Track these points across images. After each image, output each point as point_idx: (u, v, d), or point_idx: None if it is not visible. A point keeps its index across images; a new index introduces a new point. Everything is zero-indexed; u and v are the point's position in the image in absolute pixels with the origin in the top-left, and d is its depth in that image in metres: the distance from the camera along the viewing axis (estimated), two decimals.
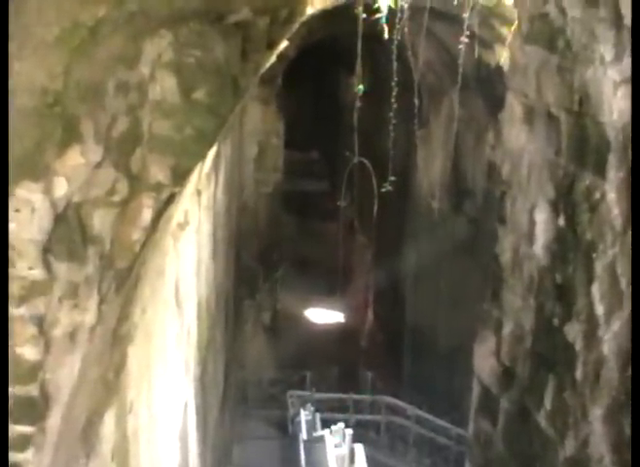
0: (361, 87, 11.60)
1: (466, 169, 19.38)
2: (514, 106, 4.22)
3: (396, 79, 12.46)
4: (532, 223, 4.00)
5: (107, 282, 4.18)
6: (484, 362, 4.59)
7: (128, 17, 3.66)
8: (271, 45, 5.72)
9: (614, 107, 3.13)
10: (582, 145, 3.41)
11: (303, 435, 16.55)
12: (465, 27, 11.76)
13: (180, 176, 4.30)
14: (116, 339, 5.38)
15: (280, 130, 22.08)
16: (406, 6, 11.60)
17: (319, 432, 16.18)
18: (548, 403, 3.66)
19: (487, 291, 4.67)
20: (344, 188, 14.90)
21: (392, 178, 12.64)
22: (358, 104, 11.78)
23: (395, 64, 12.25)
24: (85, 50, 3.59)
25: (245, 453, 18.78)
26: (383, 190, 12.77)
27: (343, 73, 30.23)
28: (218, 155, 12.19)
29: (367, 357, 24.37)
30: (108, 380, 5.41)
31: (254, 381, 22.34)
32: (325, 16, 17.33)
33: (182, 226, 9.12)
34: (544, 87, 3.90)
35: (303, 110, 33.85)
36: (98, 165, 3.92)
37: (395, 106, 12.83)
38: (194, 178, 7.99)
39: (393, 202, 16.71)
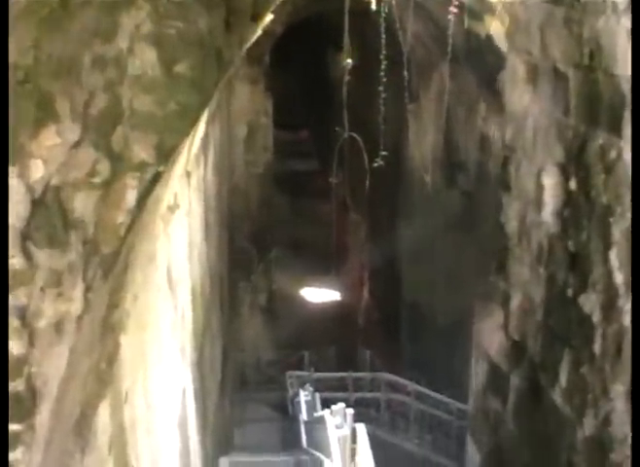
0: (349, 60, 11.36)
1: (458, 142, 19.17)
2: (516, 66, 3.99)
3: (384, 52, 12.23)
4: (540, 188, 3.76)
5: (92, 269, 3.98)
6: (492, 337, 4.36)
7: None
8: (256, 17, 5.52)
9: (629, 58, 2.90)
10: (593, 102, 3.17)
11: (304, 416, 16.41)
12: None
13: (165, 154, 4.09)
14: (106, 327, 5.19)
15: (269, 110, 21.87)
16: None
17: (319, 412, 16.05)
18: (563, 379, 3.44)
19: (492, 262, 4.42)
20: (335, 164, 14.67)
21: (384, 153, 12.41)
22: (347, 78, 11.53)
23: (383, 38, 12.02)
24: (56, 21, 3.36)
25: (246, 436, 18.69)
26: (375, 165, 12.55)
27: (331, 50, 29.96)
28: (207, 135, 12.01)
29: (364, 335, 24.29)
30: (101, 371, 5.22)
31: (252, 364, 22.28)
32: None
33: (172, 209, 8.95)
34: (549, 42, 3.65)
35: (292, 89, 33.58)
36: (77, 145, 3.69)
37: (384, 80, 12.61)
38: (182, 159, 7.80)
39: (385, 178, 16.51)
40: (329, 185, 20.34)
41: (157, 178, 4.16)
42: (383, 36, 12.01)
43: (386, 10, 11.66)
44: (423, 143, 21.11)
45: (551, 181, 3.59)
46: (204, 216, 12.79)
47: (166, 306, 8.88)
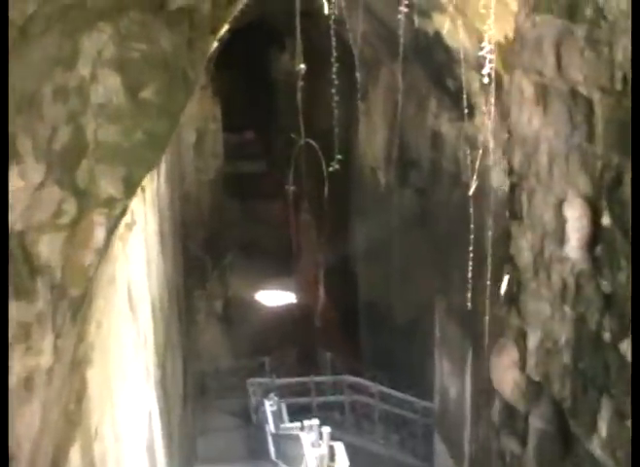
0: (302, 65, 11.08)
1: (409, 140, 18.99)
2: (523, 86, 3.67)
3: (335, 54, 11.99)
4: (560, 220, 3.45)
5: (61, 314, 3.67)
6: (505, 375, 4.02)
7: (63, 12, 3.11)
8: (214, 30, 5.26)
9: None
10: (627, 130, 2.86)
11: (271, 427, 16.07)
12: None
13: (133, 187, 3.78)
14: (74, 364, 4.88)
15: (217, 115, 21.55)
16: None
17: (287, 424, 15.73)
18: (603, 430, 3.15)
19: (501, 295, 4.11)
20: (292, 170, 14.40)
21: (339, 156, 12.17)
22: (300, 83, 11.24)
23: (334, 40, 11.78)
24: (16, 52, 3.03)
25: (209, 446, 18.36)
26: (331, 169, 12.30)
27: (274, 51, 29.75)
28: None
29: (323, 336, 24.07)
30: (69, 412, 4.90)
31: (212, 372, 21.94)
32: None
33: (129, 226, 8.64)
34: (567, 63, 3.34)
35: (237, 92, 33.20)
36: (41, 186, 3.37)
37: (335, 82, 12.37)
38: None
39: (337, 177, 16.29)
40: (278, 186, 20.05)
41: (124, 213, 3.85)
42: (334, 39, 11.78)
43: (335, 11, 11.39)
44: (374, 142, 20.92)
45: (574, 214, 3.29)
46: (159, 229, 12.46)
47: (128, 328, 8.57)
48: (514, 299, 3.90)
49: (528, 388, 3.83)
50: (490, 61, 9.49)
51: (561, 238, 3.44)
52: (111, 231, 3.76)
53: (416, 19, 12.85)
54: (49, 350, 3.57)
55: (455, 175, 15.80)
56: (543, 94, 3.54)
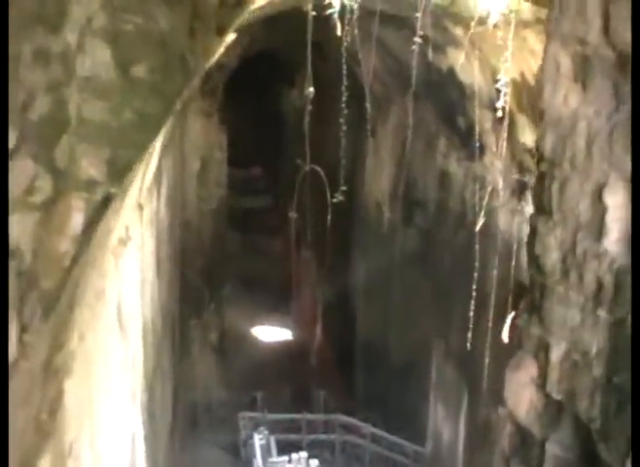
0: (311, 88, 10.84)
1: (416, 179, 18.77)
2: (559, 59, 3.31)
3: (346, 83, 11.80)
4: (599, 209, 3.06)
5: (30, 306, 3.34)
6: (521, 393, 3.58)
7: None
8: (221, 31, 5.02)
9: None
10: None
11: (258, 461, 15.74)
12: (418, 29, 11.09)
13: (118, 172, 3.47)
14: (49, 372, 4.55)
15: (223, 144, 21.32)
16: (355, 6, 10.96)
17: (275, 458, 15.37)
18: None
19: (520, 302, 3.70)
20: (295, 198, 14.15)
21: (343, 188, 11.91)
22: (309, 107, 11.01)
23: (345, 69, 11.59)
24: None
25: None
26: (335, 201, 12.03)
27: (284, 86, 29.73)
28: (159, 169, 11.46)
29: (318, 374, 23.77)
30: (41, 422, 4.56)
31: (203, 404, 21.56)
32: (267, 23, 16.70)
33: (123, 241, 8.37)
34: (616, 23, 2.98)
35: (245, 123, 33.11)
36: (11, 155, 3.06)
37: (344, 111, 12.16)
38: (135, 190, 7.28)
39: (341, 212, 16.06)
40: (281, 221, 19.80)
41: (107, 201, 3.53)
42: (345, 68, 11.59)
43: (348, 39, 11.20)
44: (380, 179, 20.72)
45: (617, 200, 2.91)
46: (156, 251, 12.19)
47: (116, 346, 8.26)
48: (536, 306, 3.48)
49: (546, 409, 3.41)
50: (505, 94, 9.26)
51: (599, 231, 3.05)
52: (90, 218, 3.45)
53: (430, 54, 12.66)
54: (12, 343, 3.25)
55: (461, 216, 15.56)
56: (583, 68, 3.17)
